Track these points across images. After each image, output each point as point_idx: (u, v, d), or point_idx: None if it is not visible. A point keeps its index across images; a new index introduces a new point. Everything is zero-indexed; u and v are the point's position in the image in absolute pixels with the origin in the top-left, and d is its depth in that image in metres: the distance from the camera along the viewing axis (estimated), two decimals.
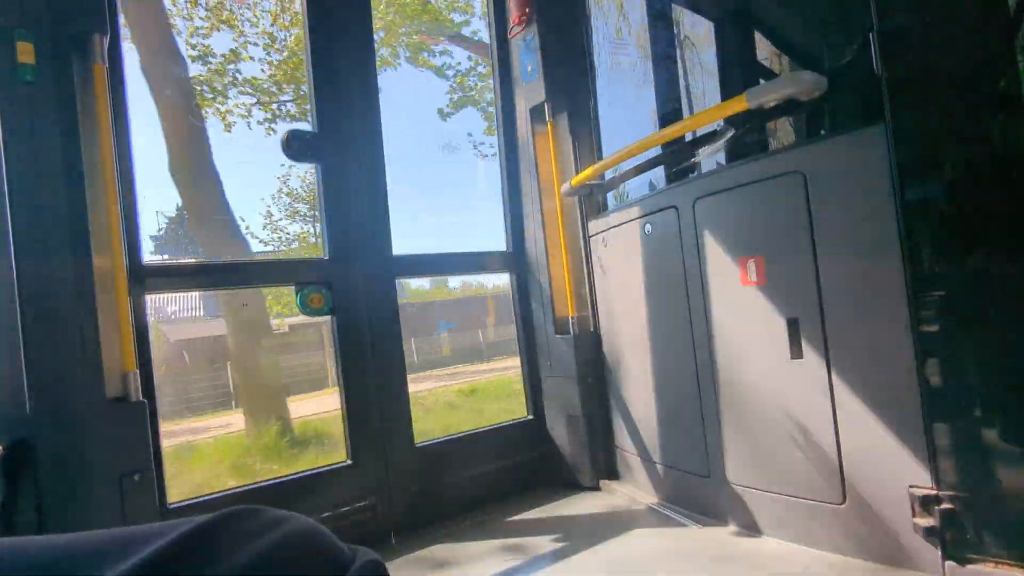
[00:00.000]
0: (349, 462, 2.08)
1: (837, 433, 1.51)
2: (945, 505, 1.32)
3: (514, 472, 2.43)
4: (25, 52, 1.48)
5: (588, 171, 2.24)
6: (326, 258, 2.14)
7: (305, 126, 2.16)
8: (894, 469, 1.40)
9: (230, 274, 2.19)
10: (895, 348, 1.38)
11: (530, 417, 2.57)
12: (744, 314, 1.72)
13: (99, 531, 0.42)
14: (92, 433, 1.52)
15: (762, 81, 1.60)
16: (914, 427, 1.36)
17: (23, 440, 1.45)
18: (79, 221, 1.55)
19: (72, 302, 1.53)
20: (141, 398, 1.62)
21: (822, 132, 1.66)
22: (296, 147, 2.09)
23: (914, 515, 1.37)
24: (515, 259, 2.63)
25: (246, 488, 1.95)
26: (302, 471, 2.03)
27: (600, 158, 2.39)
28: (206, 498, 1.88)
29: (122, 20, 1.79)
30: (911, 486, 1.37)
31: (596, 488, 2.33)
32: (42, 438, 1.46)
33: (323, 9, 2.14)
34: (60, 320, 1.51)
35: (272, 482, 1.99)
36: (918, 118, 1.33)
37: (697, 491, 1.94)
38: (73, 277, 1.54)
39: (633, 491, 2.22)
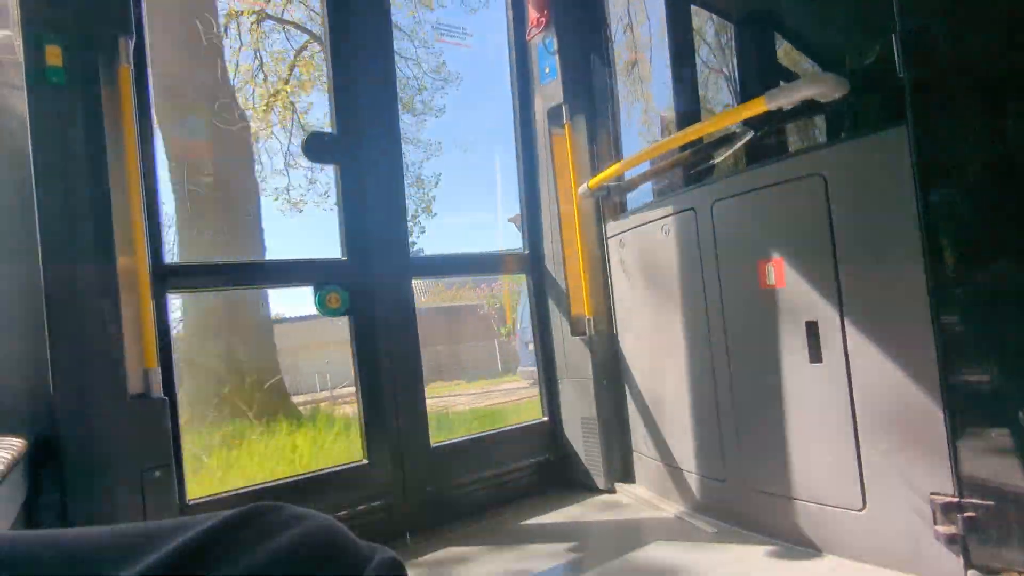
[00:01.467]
0: (365, 461, 2.09)
1: (857, 438, 1.49)
2: (968, 513, 1.29)
3: (529, 474, 2.42)
4: (53, 55, 1.51)
5: (606, 172, 2.24)
6: (344, 259, 2.15)
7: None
8: (915, 475, 1.38)
9: (251, 274, 2.22)
10: (917, 352, 1.36)
11: (545, 419, 2.56)
12: (762, 317, 1.70)
13: (123, 525, 0.43)
14: (114, 429, 1.55)
15: (782, 83, 1.59)
16: (936, 433, 1.34)
17: (48, 435, 1.49)
18: (104, 221, 1.58)
19: (96, 300, 1.56)
20: (162, 394, 1.64)
21: (843, 134, 1.64)
22: (316, 148, 2.12)
23: (936, 523, 1.35)
24: (532, 260, 2.63)
25: (264, 486, 1.97)
26: (319, 469, 2.05)
27: (618, 159, 2.38)
28: (224, 495, 1.90)
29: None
30: (933, 493, 1.35)
31: (611, 491, 2.32)
32: (66, 433, 1.49)
33: (343, 13, 2.16)
34: (84, 318, 1.54)
35: (290, 480, 2.01)
36: (941, 120, 1.31)
37: (713, 495, 1.92)
38: (97, 276, 1.57)
39: (649, 495, 2.21)
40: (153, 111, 1.83)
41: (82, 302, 1.54)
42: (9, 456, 1.14)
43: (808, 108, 1.58)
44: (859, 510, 1.50)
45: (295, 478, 2.02)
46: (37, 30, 1.51)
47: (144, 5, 1.81)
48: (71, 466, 1.49)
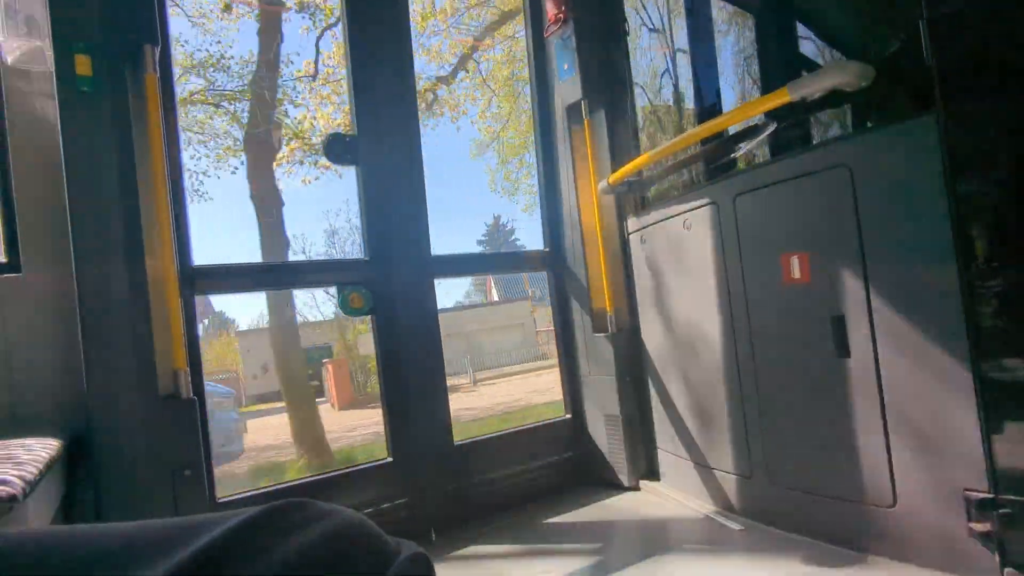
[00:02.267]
0: (390, 459, 2.11)
1: (887, 433, 1.46)
2: (1003, 510, 1.26)
3: (553, 471, 2.42)
4: (82, 64, 1.55)
5: (626, 168, 2.22)
6: (366, 259, 2.17)
7: None
8: (948, 471, 1.35)
9: (276, 275, 2.25)
10: (948, 345, 1.33)
11: (568, 416, 2.56)
12: (787, 311, 1.68)
13: (155, 521, 0.44)
14: (146, 429, 1.59)
15: (805, 72, 1.56)
16: (969, 428, 1.31)
17: (82, 435, 1.53)
18: (133, 225, 1.62)
19: (127, 303, 1.60)
20: (192, 395, 1.67)
21: (869, 124, 1.61)
22: (337, 150, 2.14)
23: (969, 520, 1.31)
24: (553, 257, 2.63)
25: (290, 484, 2.01)
26: (344, 468, 2.07)
27: (638, 155, 2.37)
28: (253, 493, 1.94)
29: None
30: (966, 489, 1.32)
31: (636, 488, 2.31)
32: (99, 433, 1.53)
33: (362, 15, 2.18)
34: (116, 320, 1.58)
35: (316, 478, 2.04)
36: (971, 108, 1.28)
37: (739, 492, 1.90)
38: (127, 279, 1.60)
39: (674, 492, 2.20)
40: (179, 116, 1.86)
41: (113, 305, 1.58)
42: (47, 456, 1.17)
43: (833, 98, 1.55)
44: (890, 507, 1.47)
45: (321, 476, 2.04)
46: (67, 40, 1.55)
47: (168, 14, 1.84)
48: (104, 465, 1.53)
